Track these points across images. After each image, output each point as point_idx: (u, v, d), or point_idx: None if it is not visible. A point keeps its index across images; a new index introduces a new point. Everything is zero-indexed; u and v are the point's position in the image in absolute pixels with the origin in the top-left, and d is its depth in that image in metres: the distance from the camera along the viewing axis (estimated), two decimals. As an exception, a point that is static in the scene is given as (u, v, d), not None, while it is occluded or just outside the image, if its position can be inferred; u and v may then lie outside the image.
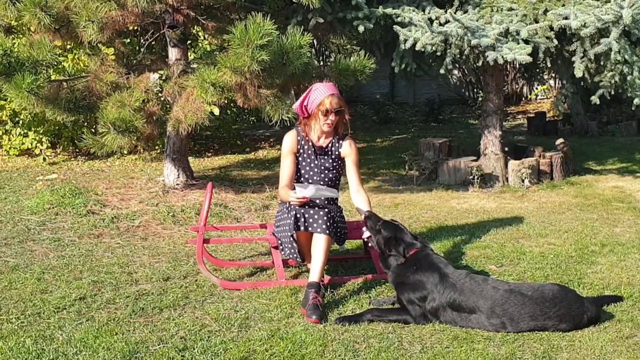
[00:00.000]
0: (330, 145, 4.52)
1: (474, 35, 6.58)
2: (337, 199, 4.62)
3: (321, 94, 4.37)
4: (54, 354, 3.40)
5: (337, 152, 4.53)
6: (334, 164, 4.53)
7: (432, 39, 6.63)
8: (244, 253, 5.29)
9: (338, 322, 3.78)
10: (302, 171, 4.52)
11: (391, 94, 16.52)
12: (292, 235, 4.26)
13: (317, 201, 4.36)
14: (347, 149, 4.53)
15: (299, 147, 4.51)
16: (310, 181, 4.48)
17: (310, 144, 4.50)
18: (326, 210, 4.22)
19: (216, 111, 7.52)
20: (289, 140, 4.51)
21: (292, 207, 4.24)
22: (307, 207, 4.23)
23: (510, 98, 15.53)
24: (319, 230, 4.14)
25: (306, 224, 4.16)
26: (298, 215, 4.17)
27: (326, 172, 4.51)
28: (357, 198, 4.48)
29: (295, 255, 4.39)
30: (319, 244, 4.13)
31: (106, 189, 7.04)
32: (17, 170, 8.68)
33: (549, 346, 3.50)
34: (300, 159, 4.51)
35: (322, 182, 4.48)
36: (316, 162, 4.50)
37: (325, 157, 4.51)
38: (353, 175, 4.53)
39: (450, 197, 7.23)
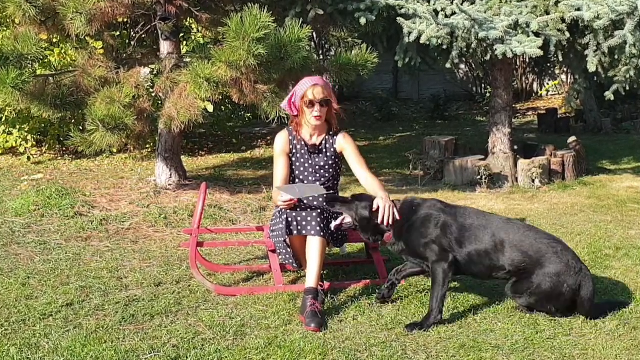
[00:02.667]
0: (324, 142, 4.49)
1: (481, 27, 6.58)
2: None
3: (304, 87, 4.36)
4: (40, 363, 3.40)
5: (332, 149, 4.49)
6: (330, 161, 4.49)
7: (438, 32, 6.63)
8: (240, 257, 5.29)
9: (409, 329, 3.82)
10: (297, 172, 4.49)
11: (394, 90, 16.54)
12: (284, 240, 4.26)
13: (315, 203, 4.35)
14: (342, 142, 4.48)
15: (291, 147, 4.49)
16: (305, 182, 4.46)
17: (302, 143, 4.48)
18: (319, 211, 4.20)
19: (210, 108, 7.51)
20: (281, 140, 4.50)
21: (284, 210, 4.23)
22: (299, 209, 4.21)
23: (519, 94, 15.55)
24: (312, 232, 4.12)
25: (299, 227, 4.15)
26: (290, 219, 4.16)
27: (321, 171, 4.48)
28: (368, 186, 4.34)
29: (291, 261, 4.39)
30: (313, 246, 4.12)
31: (95, 189, 7.04)
32: (1, 170, 8.68)
33: (561, 355, 3.50)
34: (293, 159, 4.50)
35: (317, 182, 4.44)
36: (310, 161, 4.48)
37: (320, 156, 4.49)
38: (358, 166, 4.42)
39: (456, 198, 7.23)
